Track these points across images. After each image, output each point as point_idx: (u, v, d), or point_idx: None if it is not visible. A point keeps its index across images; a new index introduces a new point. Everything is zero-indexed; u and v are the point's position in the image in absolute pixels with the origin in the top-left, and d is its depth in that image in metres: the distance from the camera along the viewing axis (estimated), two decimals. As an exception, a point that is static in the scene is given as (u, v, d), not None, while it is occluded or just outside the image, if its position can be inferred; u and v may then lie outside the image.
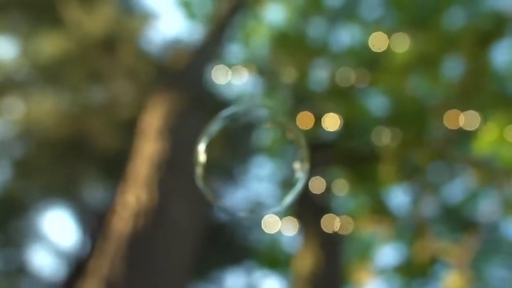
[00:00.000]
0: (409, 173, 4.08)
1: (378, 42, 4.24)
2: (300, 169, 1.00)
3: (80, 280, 2.76)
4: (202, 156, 1.03)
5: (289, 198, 0.99)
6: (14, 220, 6.05)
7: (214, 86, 5.33)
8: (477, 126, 3.00)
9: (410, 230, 4.25)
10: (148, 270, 2.52)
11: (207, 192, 1.01)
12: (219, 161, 1.01)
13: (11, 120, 5.83)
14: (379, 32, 4.31)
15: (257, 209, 1.00)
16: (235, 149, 1.09)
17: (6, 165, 6.08)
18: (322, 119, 4.19)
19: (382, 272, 4.77)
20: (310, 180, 4.09)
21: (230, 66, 5.46)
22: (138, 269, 2.51)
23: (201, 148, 1.03)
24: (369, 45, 4.38)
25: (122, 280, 2.45)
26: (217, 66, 4.77)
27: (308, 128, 4.26)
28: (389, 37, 4.33)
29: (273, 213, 1.15)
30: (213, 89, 5.30)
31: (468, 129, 3.24)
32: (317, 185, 4.06)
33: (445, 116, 3.69)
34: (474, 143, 2.47)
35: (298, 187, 1.00)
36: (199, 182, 1.02)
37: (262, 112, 1.05)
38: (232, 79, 4.85)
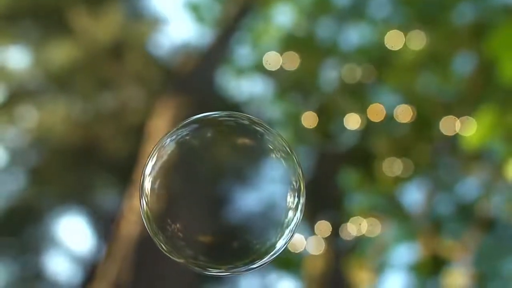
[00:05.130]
0: (416, 170, 4.05)
1: (392, 40, 4.21)
2: (293, 206, 0.71)
3: (91, 283, 2.79)
4: (148, 183, 0.71)
5: (281, 243, 0.71)
6: (29, 227, 6.13)
7: (223, 89, 5.34)
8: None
9: (421, 228, 4.22)
10: (156, 274, 2.54)
11: (155, 238, 0.71)
12: (177, 189, 0.70)
13: (24, 129, 5.91)
14: (395, 30, 4.28)
15: (241, 266, 0.70)
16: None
17: (21, 173, 6.16)
18: (395, 111, 4.00)
19: (392, 271, 4.74)
20: (316, 224, 4.05)
21: (239, 68, 5.47)
22: (146, 273, 2.53)
23: (148, 171, 0.72)
24: (385, 44, 4.35)
25: (130, 284, 2.47)
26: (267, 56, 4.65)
27: (379, 120, 4.10)
28: (398, 34, 4.30)
29: (259, 268, 0.71)
30: (222, 92, 5.31)
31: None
32: (323, 229, 4.01)
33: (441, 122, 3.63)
34: (465, 136, 2.44)
35: (291, 229, 0.71)
36: (145, 222, 0.72)
37: (245, 123, 0.74)
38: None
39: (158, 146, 0.74)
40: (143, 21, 5.91)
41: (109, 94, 5.77)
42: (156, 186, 0.71)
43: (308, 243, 4.14)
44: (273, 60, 4.45)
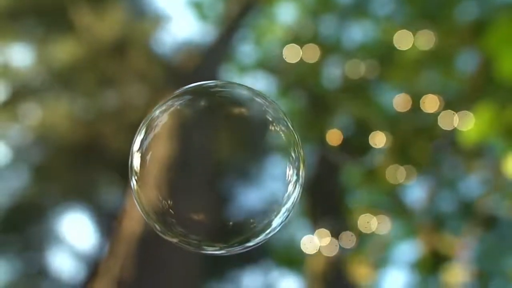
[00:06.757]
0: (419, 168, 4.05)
1: (394, 37, 4.20)
2: (293, 181, 0.65)
3: (93, 280, 2.79)
4: (137, 160, 0.63)
5: (277, 221, 0.66)
6: (32, 224, 6.15)
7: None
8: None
9: (423, 225, 4.23)
10: (159, 270, 2.54)
11: (148, 219, 0.64)
12: (168, 165, 0.62)
13: (27, 126, 5.93)
14: (397, 27, 4.27)
15: (236, 245, 0.64)
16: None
17: (24, 170, 6.18)
18: (421, 101, 3.92)
19: (393, 268, 4.75)
20: (318, 221, 4.02)
21: (242, 66, 5.48)
22: (149, 269, 2.53)
23: (136, 147, 0.64)
24: (387, 41, 4.35)
25: (133, 280, 2.48)
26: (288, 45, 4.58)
27: (406, 111, 4.02)
28: (401, 31, 4.29)
29: (256, 245, 0.65)
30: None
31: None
32: (325, 226, 3.99)
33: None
34: (463, 131, 2.45)
35: (288, 208, 0.66)
36: (136, 202, 0.65)
37: (242, 93, 0.65)
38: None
39: (147, 119, 0.66)
40: (146, 19, 5.92)
41: (112, 91, 5.78)
42: (145, 161, 0.63)
43: (310, 241, 4.13)
44: (291, 53, 4.45)
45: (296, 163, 0.66)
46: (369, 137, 3.61)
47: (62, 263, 6.35)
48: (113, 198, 6.18)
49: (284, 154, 0.65)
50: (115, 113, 5.60)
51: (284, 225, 0.67)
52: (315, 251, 3.86)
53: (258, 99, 0.66)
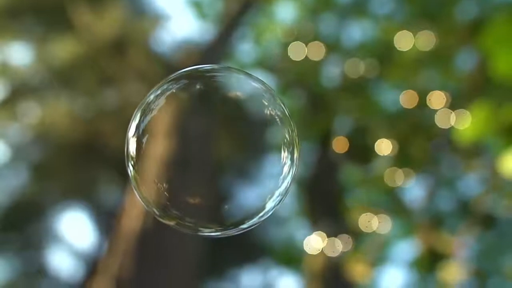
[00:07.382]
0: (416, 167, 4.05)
1: (393, 36, 4.20)
2: (287, 164, 0.66)
3: (92, 278, 2.80)
4: (133, 145, 0.64)
5: (270, 205, 0.65)
6: (32, 223, 6.15)
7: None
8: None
9: (421, 224, 4.23)
10: (158, 268, 2.55)
11: (147, 205, 0.64)
12: (163, 148, 0.64)
13: (27, 125, 5.93)
14: (397, 26, 4.28)
15: (231, 227, 0.64)
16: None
17: (23, 168, 6.19)
18: (428, 98, 3.87)
19: (392, 266, 4.75)
20: (317, 220, 4.00)
21: (241, 64, 5.48)
22: (148, 267, 2.54)
23: (131, 132, 0.64)
24: (387, 40, 4.35)
25: (132, 278, 2.48)
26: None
27: (413, 107, 3.99)
28: (401, 30, 4.29)
29: (250, 228, 0.63)
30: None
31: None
32: (324, 225, 3.99)
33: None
34: (459, 129, 2.47)
35: (280, 192, 0.66)
36: (134, 188, 0.64)
37: (238, 77, 0.66)
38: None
39: (142, 104, 0.66)
40: (145, 18, 5.92)
41: (111, 90, 5.79)
42: (141, 146, 0.64)
43: (310, 240, 4.15)
44: (294, 51, 4.44)
45: (291, 147, 0.67)
46: (375, 145, 3.62)
47: (61, 261, 6.36)
48: (112, 197, 6.19)
49: (279, 138, 0.66)
50: (115, 112, 5.60)
51: (277, 208, 0.67)
52: (318, 251, 3.87)
53: (254, 84, 0.66)
